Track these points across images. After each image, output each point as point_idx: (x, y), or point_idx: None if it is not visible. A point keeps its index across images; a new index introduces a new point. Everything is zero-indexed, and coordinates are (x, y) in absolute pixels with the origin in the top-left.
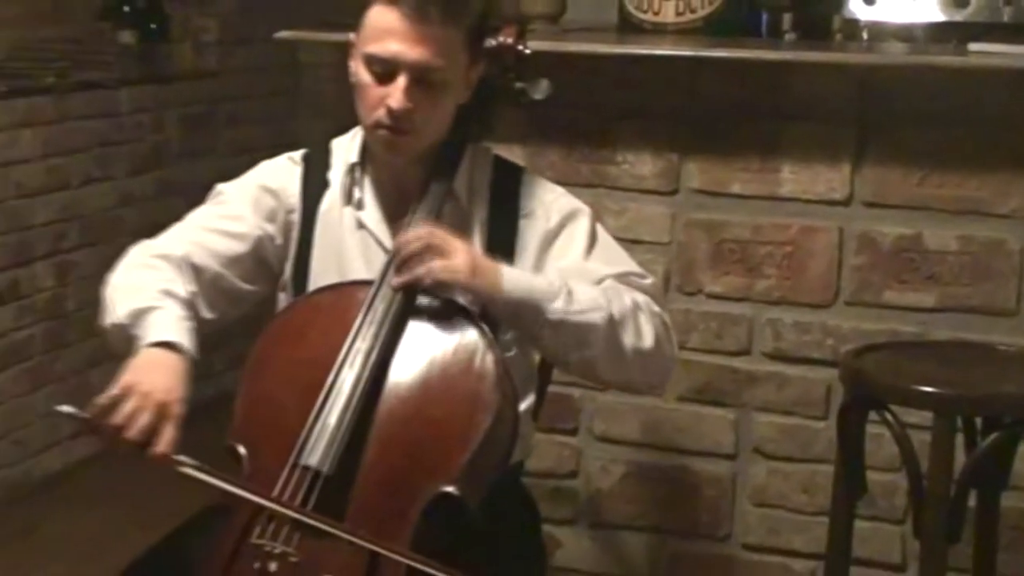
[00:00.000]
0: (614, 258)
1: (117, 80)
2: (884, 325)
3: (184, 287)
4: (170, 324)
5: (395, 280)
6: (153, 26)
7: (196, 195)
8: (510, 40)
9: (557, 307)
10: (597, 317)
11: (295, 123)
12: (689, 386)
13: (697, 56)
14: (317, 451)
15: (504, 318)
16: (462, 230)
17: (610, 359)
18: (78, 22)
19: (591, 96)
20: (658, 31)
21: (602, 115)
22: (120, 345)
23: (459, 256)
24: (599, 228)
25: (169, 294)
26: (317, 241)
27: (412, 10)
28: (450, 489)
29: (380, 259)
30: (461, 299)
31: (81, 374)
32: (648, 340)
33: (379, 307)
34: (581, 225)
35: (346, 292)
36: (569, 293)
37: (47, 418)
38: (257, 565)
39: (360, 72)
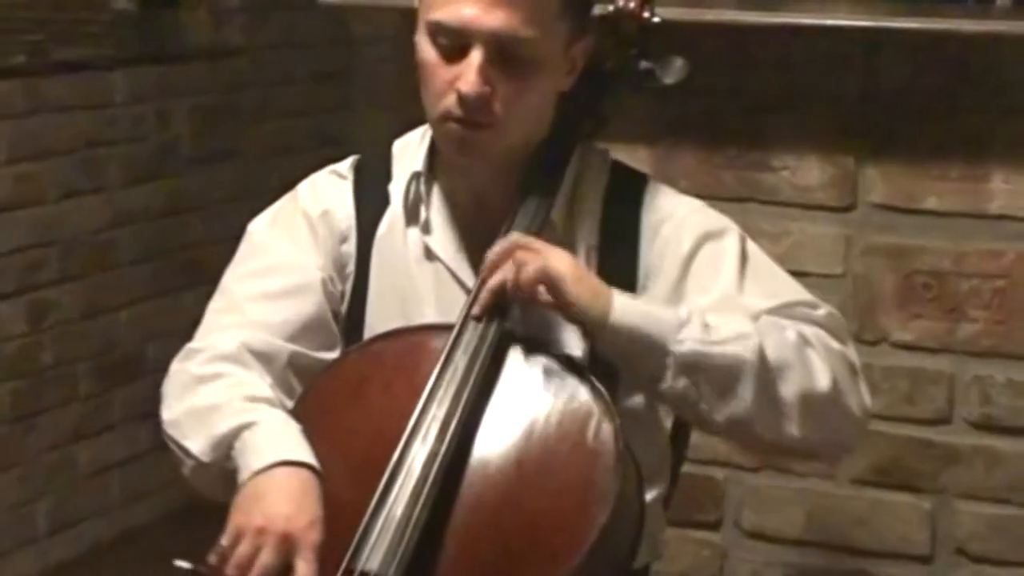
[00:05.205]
0: (775, 286)
1: (109, 59)
2: None
3: (265, 383)
4: (271, 438)
5: (476, 307)
6: None
7: (214, 212)
8: (632, 4)
9: (688, 336)
10: (744, 350)
11: (346, 117)
12: (869, 464)
13: (879, 27)
14: (378, 552)
15: (617, 357)
16: None
17: (769, 411)
18: None
19: (738, 81)
20: None
21: (753, 106)
22: (218, 491)
23: (558, 258)
24: (751, 247)
25: (254, 399)
26: (374, 274)
27: None
28: None
29: (459, 301)
30: (562, 334)
31: (61, 449)
32: (823, 382)
33: (460, 361)
34: (727, 246)
35: (415, 341)
36: (705, 323)
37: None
38: None
39: (424, 48)
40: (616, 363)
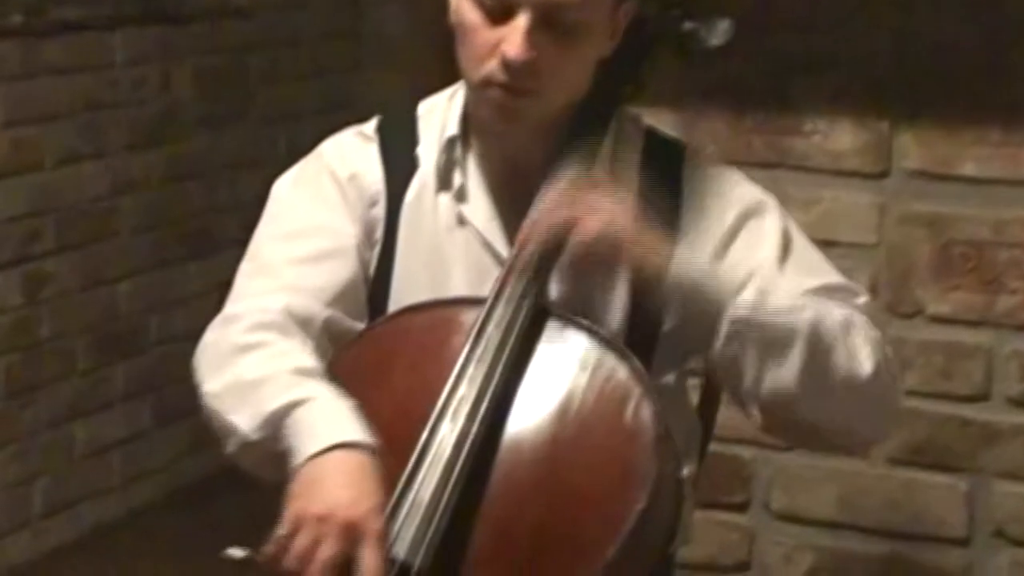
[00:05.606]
0: (817, 268)
1: (109, 19)
2: None
3: (307, 351)
4: (325, 418)
5: (524, 252)
6: None
7: (219, 179)
8: None
9: (745, 300)
10: (798, 320)
11: (355, 78)
12: (904, 443)
13: None
14: (405, 538)
15: (669, 316)
16: None
17: (814, 388)
18: None
19: (766, 42)
20: None
21: (781, 67)
22: (266, 470)
23: (621, 213)
24: (792, 227)
25: (302, 372)
26: (401, 242)
27: None
28: None
29: (490, 270)
30: (602, 307)
31: (59, 426)
32: (866, 366)
33: (492, 337)
34: (769, 226)
35: (444, 315)
36: (762, 288)
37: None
38: None
39: (464, 8)
40: (665, 322)
